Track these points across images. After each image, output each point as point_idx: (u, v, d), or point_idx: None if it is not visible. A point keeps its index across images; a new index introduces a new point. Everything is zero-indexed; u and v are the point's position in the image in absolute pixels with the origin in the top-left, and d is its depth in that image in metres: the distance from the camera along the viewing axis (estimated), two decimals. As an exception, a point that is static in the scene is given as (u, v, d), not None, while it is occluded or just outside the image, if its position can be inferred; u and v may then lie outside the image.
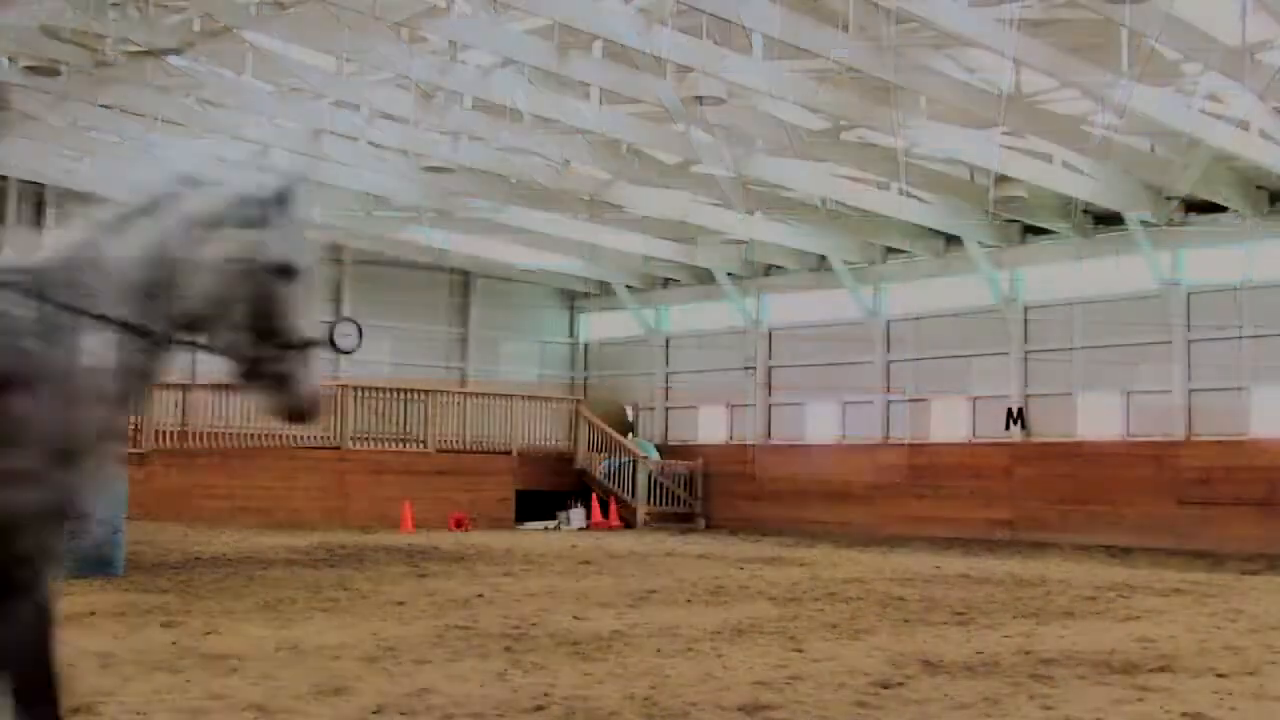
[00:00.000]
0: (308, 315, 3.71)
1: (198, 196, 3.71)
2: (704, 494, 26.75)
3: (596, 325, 30.68)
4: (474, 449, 25.13)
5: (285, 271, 3.68)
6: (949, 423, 23.77)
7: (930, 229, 23.13)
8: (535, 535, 22.46)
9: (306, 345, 3.71)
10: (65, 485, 3.43)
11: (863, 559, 17.16)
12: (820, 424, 25.83)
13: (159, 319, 3.62)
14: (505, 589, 11.82)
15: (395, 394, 25.14)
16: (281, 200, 3.73)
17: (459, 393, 25.97)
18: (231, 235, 3.66)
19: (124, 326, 3.54)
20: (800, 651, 8.00)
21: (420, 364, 28.04)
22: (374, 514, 22.87)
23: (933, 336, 24.13)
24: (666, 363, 28.78)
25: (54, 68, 15.97)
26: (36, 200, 24.34)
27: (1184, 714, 6.06)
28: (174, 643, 7.77)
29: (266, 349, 3.67)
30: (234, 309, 3.65)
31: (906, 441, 24.18)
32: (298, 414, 3.78)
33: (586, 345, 30.77)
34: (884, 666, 7.38)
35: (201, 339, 3.72)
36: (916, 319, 24.49)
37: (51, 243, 3.70)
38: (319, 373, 3.76)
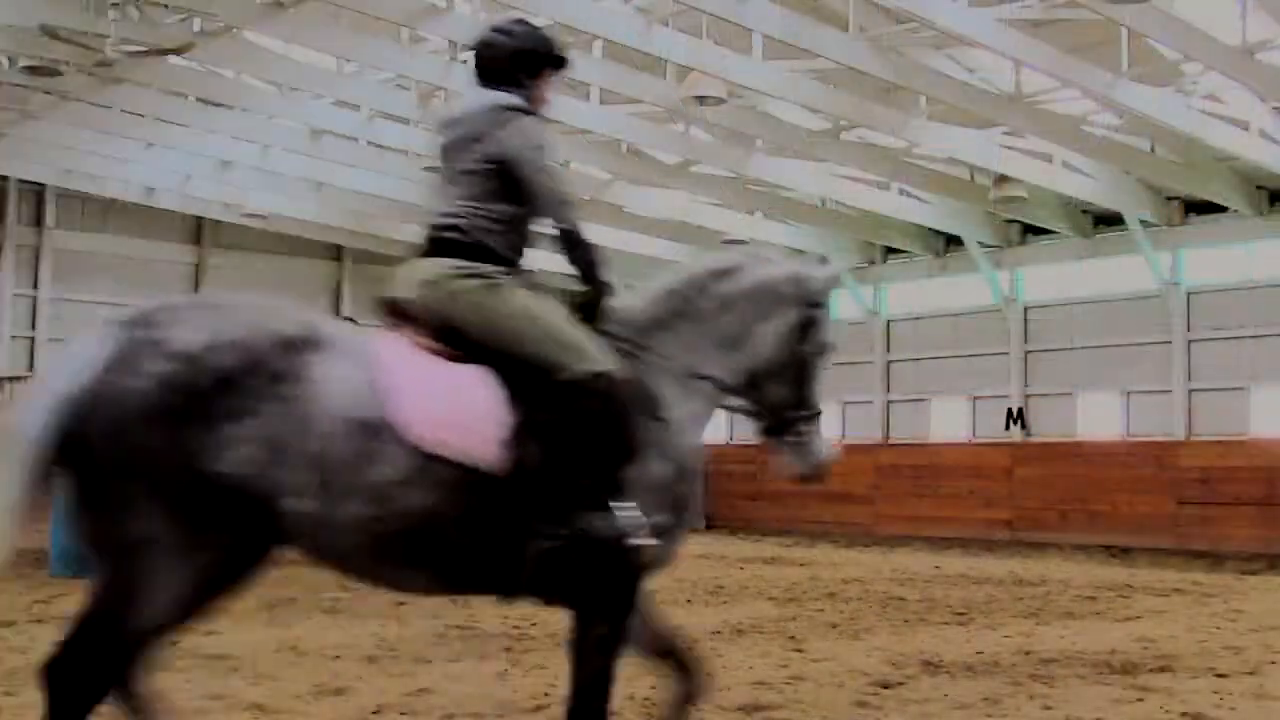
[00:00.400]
0: (822, 389, 4.32)
1: (765, 269, 4.30)
2: (704, 494, 26.74)
3: (596, 325, 30.62)
4: (474, 449, 25.07)
5: (822, 348, 4.28)
6: (949, 423, 23.77)
7: (930, 229, 23.13)
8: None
9: (819, 415, 4.30)
10: (690, 500, 4.02)
11: (863, 559, 17.16)
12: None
13: (729, 371, 4.20)
14: (505, 589, 11.80)
15: (395, 394, 25.07)
16: (828, 287, 4.34)
17: (459, 393, 25.91)
18: (790, 310, 4.24)
19: (705, 375, 4.14)
20: (800, 651, 8.00)
21: (420, 364, 28.00)
22: (374, 514, 22.84)
23: (933, 336, 24.12)
24: (666, 363, 28.73)
25: (54, 68, 15.96)
26: (36, 200, 24.35)
27: (1184, 714, 6.06)
28: (174, 643, 7.77)
29: (796, 413, 4.24)
30: (784, 373, 4.22)
31: (907, 441, 24.19)
32: (812, 475, 4.34)
33: (586, 345, 30.73)
34: (884, 666, 7.39)
35: (744, 395, 4.28)
36: (916, 319, 24.48)
37: (652, 293, 4.34)
38: (828, 442, 4.31)
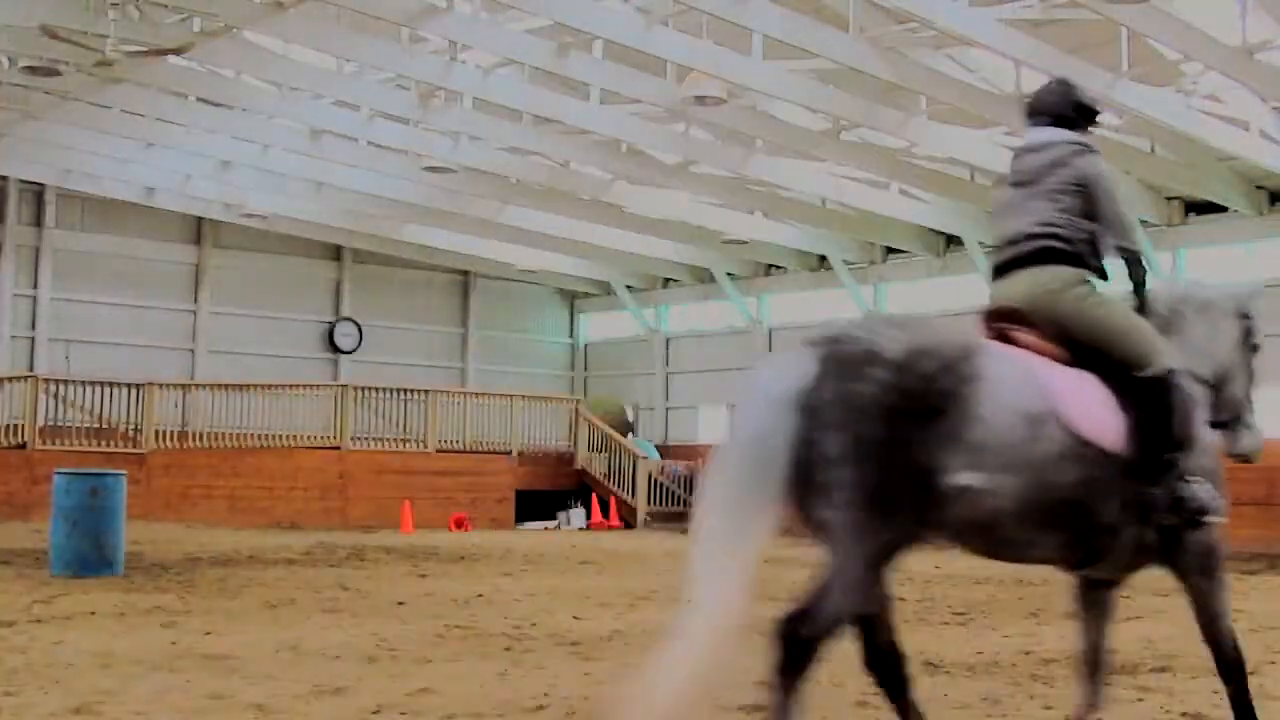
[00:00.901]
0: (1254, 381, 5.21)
1: (1207, 291, 5.20)
2: (704, 494, 26.67)
3: (596, 325, 30.67)
4: (474, 449, 25.11)
5: (1256, 348, 5.20)
6: (949, 423, 23.71)
7: (930, 229, 23.13)
8: (535, 535, 22.46)
9: (1254, 405, 5.18)
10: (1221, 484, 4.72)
11: (863, 559, 17.15)
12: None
13: (1208, 374, 4.99)
14: (505, 589, 11.82)
15: (395, 394, 25.14)
16: (1253, 300, 5.23)
17: (459, 393, 25.98)
18: (1233, 320, 5.13)
19: (1200, 377, 4.90)
20: (800, 651, 7.98)
21: (420, 364, 28.06)
22: (374, 514, 22.87)
23: (933, 336, 24.07)
24: (666, 363, 28.78)
25: (54, 68, 15.97)
26: (36, 200, 24.36)
27: (1184, 714, 6.06)
28: (174, 643, 7.77)
29: (1246, 405, 5.13)
30: (1237, 372, 5.10)
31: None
32: (1252, 455, 5.19)
33: (586, 345, 30.77)
34: (884, 666, 7.37)
35: (1214, 393, 5.03)
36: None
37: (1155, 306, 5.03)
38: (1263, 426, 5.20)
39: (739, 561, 4.05)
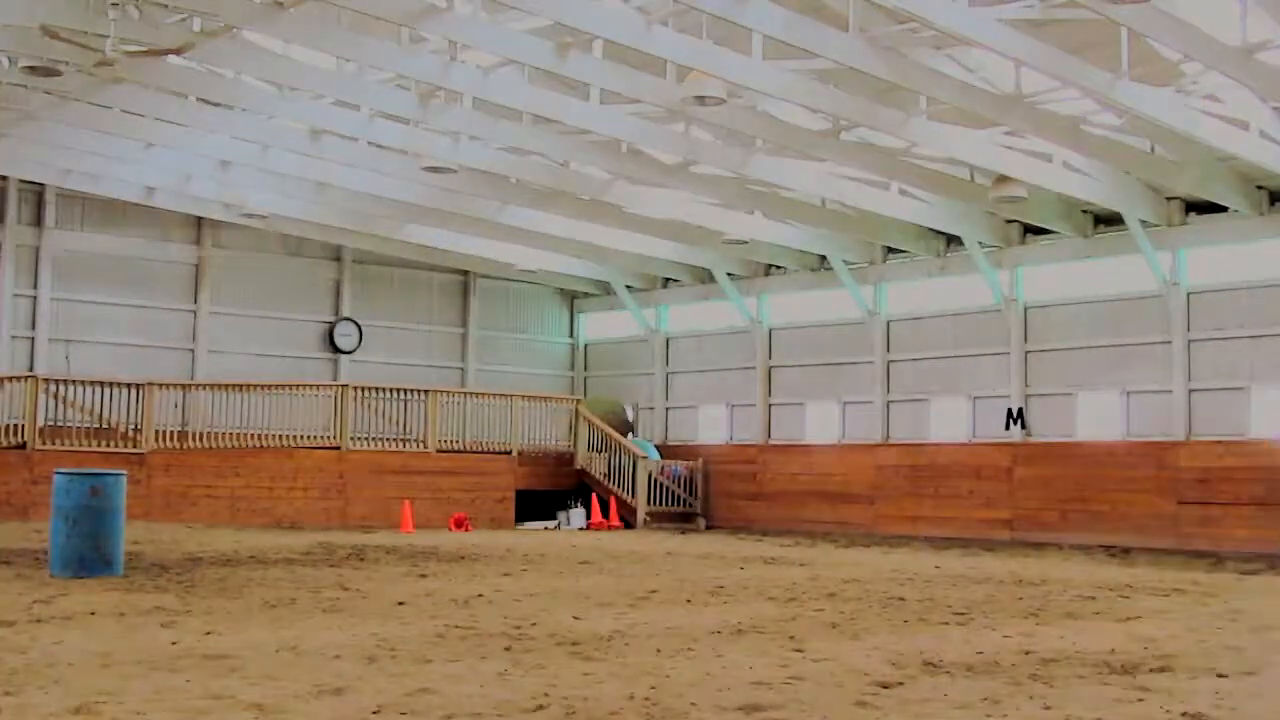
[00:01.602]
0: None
1: None
2: (704, 494, 26.75)
3: (596, 325, 30.67)
4: (474, 449, 25.13)
5: None
6: (949, 423, 23.75)
7: (930, 229, 23.13)
8: (535, 535, 22.46)
9: None
10: None
11: (863, 559, 17.16)
12: (820, 424, 25.82)
13: None
14: (505, 589, 11.82)
15: (395, 394, 25.16)
16: None
17: (459, 393, 25.99)
18: None
19: None
20: (800, 651, 8.00)
21: (420, 364, 28.07)
22: (374, 514, 22.88)
23: (933, 336, 24.12)
24: (666, 363, 28.78)
25: (54, 68, 15.96)
26: (36, 200, 24.36)
27: (1184, 714, 6.06)
28: (174, 643, 7.77)
29: None
30: None
31: (907, 441, 24.18)
32: None
33: (586, 345, 30.77)
34: (884, 666, 7.38)
35: None
36: (916, 319, 24.47)
37: None
38: None
39: None
